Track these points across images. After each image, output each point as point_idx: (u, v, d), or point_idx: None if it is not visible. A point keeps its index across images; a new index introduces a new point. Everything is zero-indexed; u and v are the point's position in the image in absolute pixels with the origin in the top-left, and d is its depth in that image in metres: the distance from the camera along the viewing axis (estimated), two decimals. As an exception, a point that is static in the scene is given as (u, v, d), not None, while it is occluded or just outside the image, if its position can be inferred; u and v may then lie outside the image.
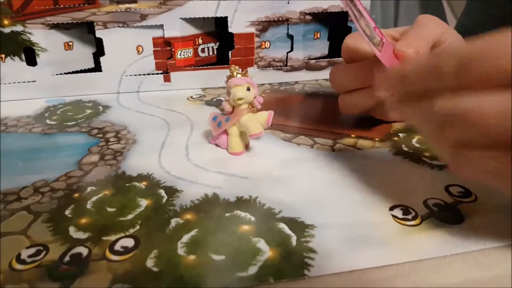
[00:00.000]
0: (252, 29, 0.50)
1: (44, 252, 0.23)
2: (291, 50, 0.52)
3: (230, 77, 0.34)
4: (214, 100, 0.47)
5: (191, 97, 0.48)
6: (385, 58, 0.30)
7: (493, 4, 0.53)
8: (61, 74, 0.47)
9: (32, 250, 0.24)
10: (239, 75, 0.33)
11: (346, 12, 0.51)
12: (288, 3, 0.49)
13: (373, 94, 0.35)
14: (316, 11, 0.50)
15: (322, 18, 0.51)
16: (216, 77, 0.51)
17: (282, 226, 0.25)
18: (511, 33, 0.19)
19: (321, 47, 0.54)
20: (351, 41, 0.36)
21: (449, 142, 0.21)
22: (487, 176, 0.21)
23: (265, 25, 0.50)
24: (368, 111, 0.38)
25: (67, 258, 0.23)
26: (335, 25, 0.53)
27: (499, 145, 0.19)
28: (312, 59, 0.54)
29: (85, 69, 0.49)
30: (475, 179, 0.22)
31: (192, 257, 0.23)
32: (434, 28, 0.34)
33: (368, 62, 0.34)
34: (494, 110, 0.19)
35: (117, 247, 0.24)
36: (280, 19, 0.50)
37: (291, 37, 0.51)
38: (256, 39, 0.50)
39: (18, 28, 0.44)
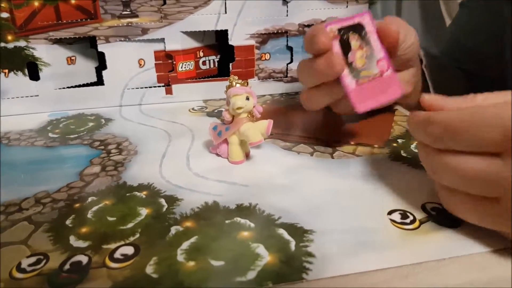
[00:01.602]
0: (252, 42, 0.50)
1: (44, 261, 0.24)
2: (291, 61, 0.53)
3: (229, 86, 0.34)
4: (216, 111, 0.48)
5: (193, 108, 0.49)
6: (365, 92, 0.32)
7: (481, 14, 0.53)
8: (64, 88, 0.48)
9: (33, 259, 0.24)
10: (238, 85, 0.34)
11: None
12: (287, 15, 0.50)
13: (333, 91, 0.34)
14: (314, 23, 0.51)
15: (320, 29, 0.52)
16: (217, 89, 0.51)
17: (282, 231, 0.25)
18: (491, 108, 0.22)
19: (321, 58, 0.54)
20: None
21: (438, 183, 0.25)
22: (467, 215, 0.24)
23: (265, 38, 0.51)
24: (329, 106, 0.38)
25: (67, 266, 0.23)
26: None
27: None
28: (312, 69, 0.54)
29: (87, 83, 0.50)
30: (460, 216, 0.25)
31: (191, 263, 0.23)
32: (402, 27, 0.36)
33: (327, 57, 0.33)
34: (475, 170, 0.22)
35: (117, 254, 0.24)
36: (280, 31, 0.51)
37: (290, 48, 0.52)
38: (256, 51, 0.51)
39: (21, 43, 0.45)
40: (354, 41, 0.32)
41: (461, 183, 0.23)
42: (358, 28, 0.32)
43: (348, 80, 0.32)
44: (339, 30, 0.32)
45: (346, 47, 0.32)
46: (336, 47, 0.32)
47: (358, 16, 0.33)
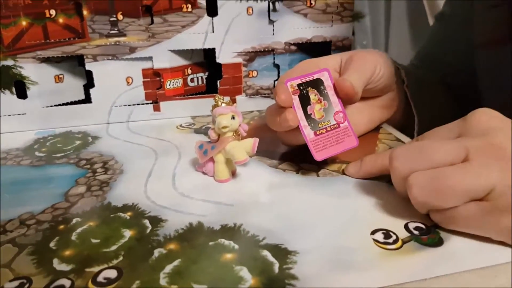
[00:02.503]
0: (239, 59, 0.51)
1: (27, 285, 0.24)
2: (278, 78, 0.53)
3: (214, 106, 0.34)
4: (203, 128, 0.48)
5: (181, 125, 0.49)
6: (322, 142, 0.35)
7: (450, 25, 0.55)
8: (51, 106, 0.48)
9: (15, 283, 0.24)
10: (223, 104, 0.34)
11: (329, 42, 0.52)
12: (273, 34, 0.51)
13: (295, 136, 0.36)
14: (300, 42, 0.51)
15: (306, 48, 0.53)
16: (205, 105, 0.51)
17: (266, 253, 0.26)
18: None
19: (308, 74, 0.55)
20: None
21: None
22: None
23: (252, 55, 0.51)
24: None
25: (49, 291, 0.23)
26: (319, 54, 0.54)
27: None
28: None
29: (75, 101, 0.50)
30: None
31: (173, 287, 0.23)
32: (370, 63, 0.39)
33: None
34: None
35: (100, 278, 0.24)
36: (266, 49, 0.51)
37: (277, 66, 0.53)
38: (243, 68, 0.51)
39: (9, 62, 0.45)
40: (313, 95, 0.36)
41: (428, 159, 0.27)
42: (317, 83, 0.36)
43: (307, 130, 0.35)
44: (299, 85, 0.35)
45: (306, 100, 0.35)
46: (296, 101, 0.35)
47: (318, 73, 0.36)
